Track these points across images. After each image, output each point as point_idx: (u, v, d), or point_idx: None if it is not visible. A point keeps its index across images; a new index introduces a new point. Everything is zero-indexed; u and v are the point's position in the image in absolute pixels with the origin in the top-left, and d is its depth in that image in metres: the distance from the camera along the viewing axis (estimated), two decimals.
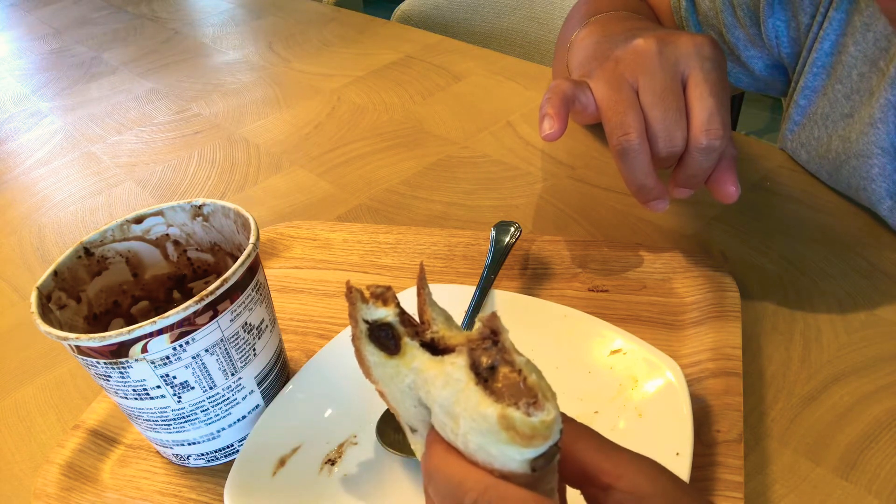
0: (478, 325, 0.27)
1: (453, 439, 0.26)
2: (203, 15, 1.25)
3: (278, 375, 0.44)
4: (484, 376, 0.25)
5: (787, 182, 0.60)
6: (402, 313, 0.29)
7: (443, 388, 0.26)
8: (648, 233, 0.57)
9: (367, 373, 0.30)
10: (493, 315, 0.26)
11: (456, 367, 0.26)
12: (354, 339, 0.29)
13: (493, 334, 0.26)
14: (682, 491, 0.26)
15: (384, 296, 0.29)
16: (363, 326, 0.29)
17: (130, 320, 0.45)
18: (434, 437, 0.27)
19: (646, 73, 0.44)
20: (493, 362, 0.26)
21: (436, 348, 0.28)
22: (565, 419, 0.26)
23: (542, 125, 0.44)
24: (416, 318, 0.29)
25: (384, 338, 0.28)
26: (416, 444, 0.32)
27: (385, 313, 0.29)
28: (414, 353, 0.28)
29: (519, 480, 0.24)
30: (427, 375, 0.27)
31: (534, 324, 0.46)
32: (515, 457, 0.24)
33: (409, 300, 0.40)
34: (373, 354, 0.29)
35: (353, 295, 0.28)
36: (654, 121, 0.43)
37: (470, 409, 0.24)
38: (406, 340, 0.28)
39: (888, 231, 0.53)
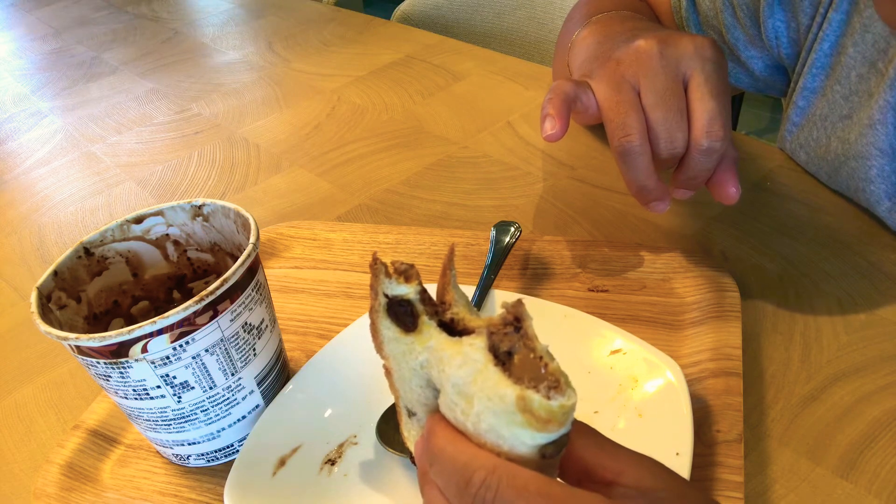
0: (501, 310, 0.27)
1: (462, 420, 0.26)
2: (203, 15, 1.24)
3: (278, 375, 0.44)
4: (502, 359, 0.25)
5: (787, 182, 0.60)
6: (424, 292, 0.29)
7: (459, 368, 0.26)
8: (648, 233, 0.57)
9: (379, 347, 0.30)
10: (519, 302, 0.27)
11: (474, 348, 0.26)
12: (372, 311, 0.29)
13: (517, 321, 0.26)
14: (685, 485, 0.26)
15: (407, 273, 0.29)
16: (382, 300, 0.29)
17: (130, 320, 0.45)
18: (438, 419, 0.27)
19: (647, 75, 0.44)
20: (512, 347, 0.26)
21: (454, 329, 0.28)
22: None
23: (543, 125, 0.44)
24: (437, 298, 0.30)
25: (402, 314, 0.29)
26: (411, 429, 0.32)
27: (406, 290, 0.29)
28: (431, 332, 0.28)
29: (527, 466, 0.24)
30: (443, 354, 0.27)
31: (534, 324, 0.46)
32: (527, 441, 0.24)
33: None
34: (388, 329, 0.29)
35: (376, 267, 0.29)
36: (655, 122, 0.43)
37: (487, 388, 0.25)
38: (424, 319, 0.28)
39: (888, 231, 0.53)
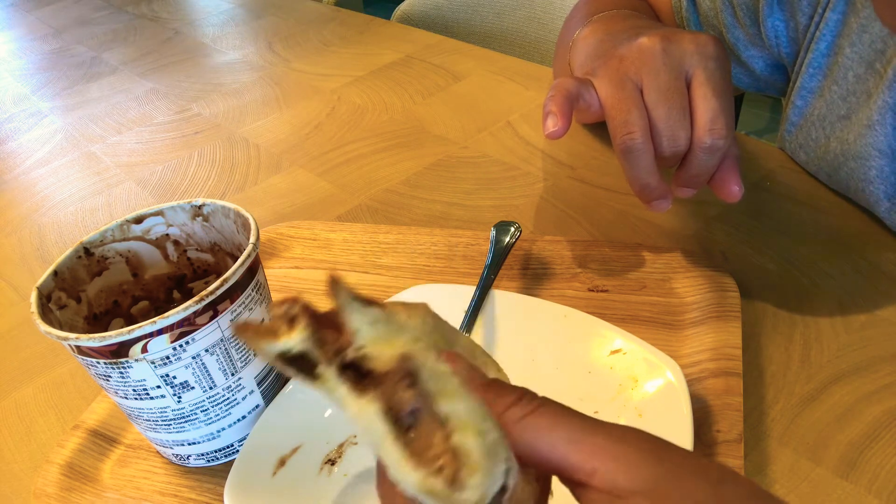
0: (402, 351, 0.22)
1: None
2: (203, 15, 1.25)
3: (278, 375, 0.44)
4: (405, 424, 0.21)
5: (787, 182, 0.60)
6: (319, 330, 0.23)
7: (364, 432, 0.22)
8: (648, 233, 0.57)
9: (300, 383, 0.25)
10: (407, 356, 0.22)
11: (373, 413, 0.21)
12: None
13: (409, 376, 0.21)
14: (669, 480, 0.22)
15: (288, 316, 0.23)
16: (271, 358, 0.23)
17: (130, 320, 0.45)
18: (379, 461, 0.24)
19: (650, 72, 0.43)
20: (414, 408, 0.21)
21: (361, 371, 0.23)
22: (539, 402, 0.24)
23: (545, 123, 0.44)
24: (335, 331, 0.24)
25: (297, 366, 0.23)
26: None
27: (291, 344, 0.23)
28: (332, 383, 0.23)
29: None
30: (348, 413, 0.22)
31: (534, 324, 0.46)
32: None
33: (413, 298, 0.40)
34: (294, 375, 0.24)
35: (248, 336, 0.23)
36: (657, 120, 0.43)
37: (392, 464, 0.21)
38: (321, 369, 0.23)
39: (888, 231, 0.53)
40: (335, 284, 0.23)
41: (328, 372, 0.23)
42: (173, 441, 0.41)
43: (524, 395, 0.24)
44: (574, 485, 0.23)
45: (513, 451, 0.23)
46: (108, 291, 0.44)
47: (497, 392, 0.24)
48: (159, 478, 0.43)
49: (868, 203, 0.53)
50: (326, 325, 0.23)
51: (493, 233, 0.54)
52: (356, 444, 0.41)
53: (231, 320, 0.38)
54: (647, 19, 0.57)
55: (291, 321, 0.23)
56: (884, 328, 0.46)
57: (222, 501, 0.38)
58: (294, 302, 0.23)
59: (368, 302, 0.24)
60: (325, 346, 0.23)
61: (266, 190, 0.70)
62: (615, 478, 0.21)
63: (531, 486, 0.23)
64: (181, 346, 0.36)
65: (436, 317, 0.27)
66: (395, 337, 0.23)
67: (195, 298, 0.36)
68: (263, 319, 0.41)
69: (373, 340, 0.23)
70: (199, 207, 0.44)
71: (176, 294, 0.47)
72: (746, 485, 0.22)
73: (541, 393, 0.24)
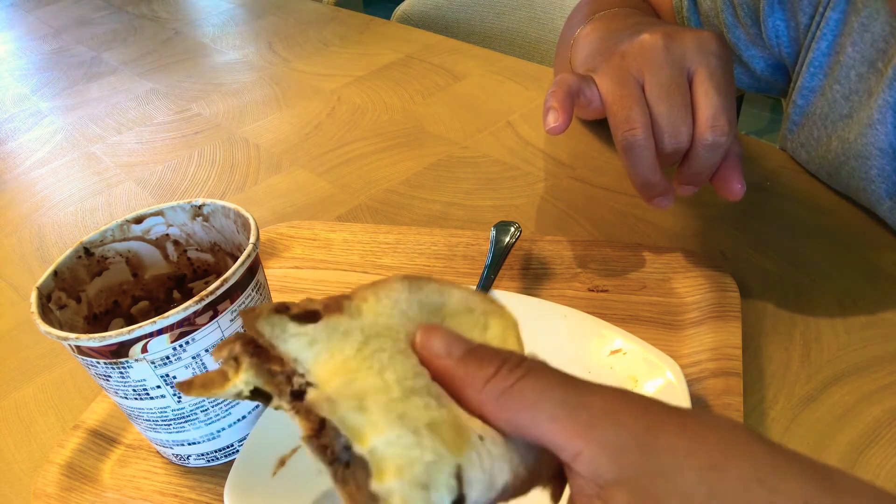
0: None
1: None
2: (203, 15, 1.25)
3: None
4: (343, 460, 0.21)
5: (787, 182, 0.60)
6: (266, 362, 0.23)
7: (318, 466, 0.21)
8: (648, 233, 0.57)
9: None
10: (314, 404, 0.21)
11: (315, 454, 0.21)
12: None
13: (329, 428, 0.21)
14: (656, 468, 0.20)
15: (231, 356, 0.23)
16: (230, 397, 0.24)
17: (130, 320, 0.45)
18: None
19: (652, 69, 0.43)
20: (345, 444, 0.21)
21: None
22: (523, 370, 0.23)
23: (546, 118, 0.44)
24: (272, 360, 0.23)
25: (261, 399, 0.23)
26: None
27: (239, 387, 0.23)
28: (291, 414, 0.22)
29: None
30: (303, 445, 0.22)
31: (534, 324, 0.46)
32: None
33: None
34: (265, 406, 0.24)
35: (196, 390, 0.24)
36: (659, 116, 0.43)
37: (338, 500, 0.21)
38: (275, 402, 0.23)
39: (888, 231, 0.53)
40: (250, 322, 0.22)
41: (283, 403, 0.22)
42: (173, 441, 0.41)
43: (505, 362, 0.23)
44: (563, 462, 0.22)
45: (500, 429, 0.22)
46: (108, 291, 0.44)
47: (477, 362, 0.23)
48: (159, 478, 0.43)
49: (869, 202, 0.53)
50: (273, 357, 0.22)
51: (493, 233, 0.54)
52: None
53: (231, 320, 0.38)
54: (649, 17, 0.56)
55: (237, 360, 0.22)
56: (884, 328, 0.46)
57: (222, 501, 0.38)
58: (235, 340, 0.22)
59: (305, 315, 0.23)
60: (275, 377, 0.22)
61: (266, 190, 0.70)
62: (599, 464, 0.20)
63: (538, 465, 0.23)
64: (181, 346, 0.36)
65: (412, 285, 0.26)
66: (341, 345, 0.22)
67: (195, 298, 0.36)
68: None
69: (314, 363, 0.22)
70: (199, 207, 0.44)
71: (176, 294, 0.47)
72: (750, 462, 0.20)
73: None
